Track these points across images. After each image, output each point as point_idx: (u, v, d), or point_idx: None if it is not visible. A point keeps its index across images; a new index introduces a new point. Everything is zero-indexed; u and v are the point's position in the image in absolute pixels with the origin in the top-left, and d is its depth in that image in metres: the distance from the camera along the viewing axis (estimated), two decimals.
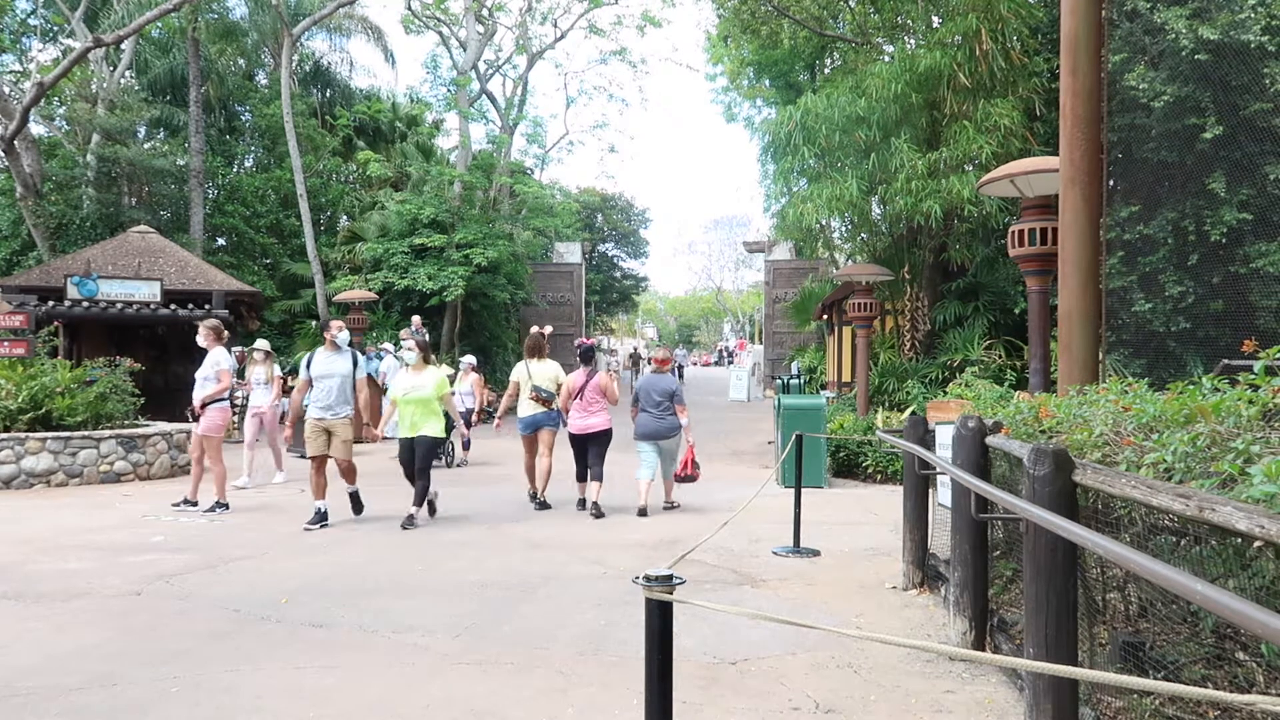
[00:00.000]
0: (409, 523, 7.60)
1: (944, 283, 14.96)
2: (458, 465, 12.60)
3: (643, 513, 8.24)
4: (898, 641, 3.38)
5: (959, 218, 13.72)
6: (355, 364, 7.98)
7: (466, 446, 12.99)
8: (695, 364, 55.55)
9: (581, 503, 8.65)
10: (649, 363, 33.84)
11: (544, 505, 8.74)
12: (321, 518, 7.66)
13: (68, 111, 21.31)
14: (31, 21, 22.26)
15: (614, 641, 4.50)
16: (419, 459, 7.79)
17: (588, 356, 9.02)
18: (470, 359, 13.97)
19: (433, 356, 8.61)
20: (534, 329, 9.57)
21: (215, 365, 8.66)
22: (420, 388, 7.83)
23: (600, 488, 8.43)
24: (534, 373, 8.74)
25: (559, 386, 8.77)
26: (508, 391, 9.17)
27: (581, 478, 8.67)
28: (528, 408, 8.72)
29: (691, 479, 8.60)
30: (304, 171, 20.92)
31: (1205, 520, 2.03)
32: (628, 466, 10.17)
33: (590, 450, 8.49)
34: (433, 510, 8.16)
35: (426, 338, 14.25)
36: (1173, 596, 2.69)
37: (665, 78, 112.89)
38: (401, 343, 13.29)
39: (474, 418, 13.16)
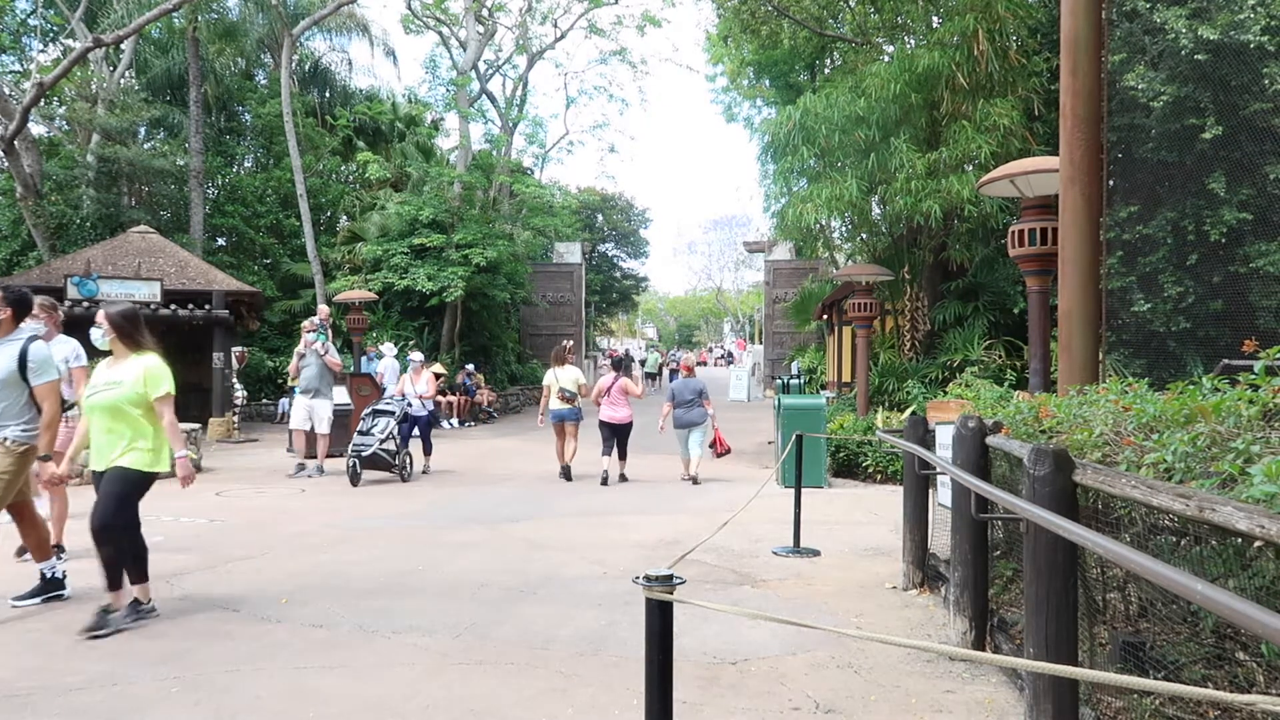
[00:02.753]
0: (97, 627, 4.54)
1: (944, 283, 14.96)
2: (423, 472, 11.40)
3: (685, 480, 10.75)
4: (898, 641, 3.38)
5: (959, 218, 13.72)
6: (25, 359, 4.90)
7: (428, 451, 11.68)
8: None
9: (605, 479, 10.60)
10: (641, 364, 33.97)
11: (568, 476, 10.96)
12: (45, 589, 5.14)
13: (68, 111, 21.29)
14: (31, 21, 22.24)
15: (614, 641, 4.50)
16: (103, 506, 4.72)
17: (617, 364, 11.54)
18: (418, 355, 12.34)
19: (148, 339, 5.09)
20: (561, 344, 12.13)
21: (66, 360, 6.02)
22: (115, 385, 4.83)
23: (625, 464, 10.98)
24: (559, 377, 11.02)
25: (579, 386, 11.08)
26: (544, 393, 11.27)
27: (607, 454, 10.80)
28: (556, 404, 10.99)
29: (727, 453, 11.84)
30: (304, 171, 20.92)
31: (1205, 520, 2.03)
32: (638, 467, 10.42)
33: (616, 436, 10.86)
34: (136, 611, 4.77)
35: (328, 333, 12.04)
36: (1173, 596, 2.69)
37: (665, 78, 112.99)
38: (304, 334, 11.61)
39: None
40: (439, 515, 8.36)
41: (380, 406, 10.97)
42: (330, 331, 12.72)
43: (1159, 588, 2.57)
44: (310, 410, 11.42)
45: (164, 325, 16.79)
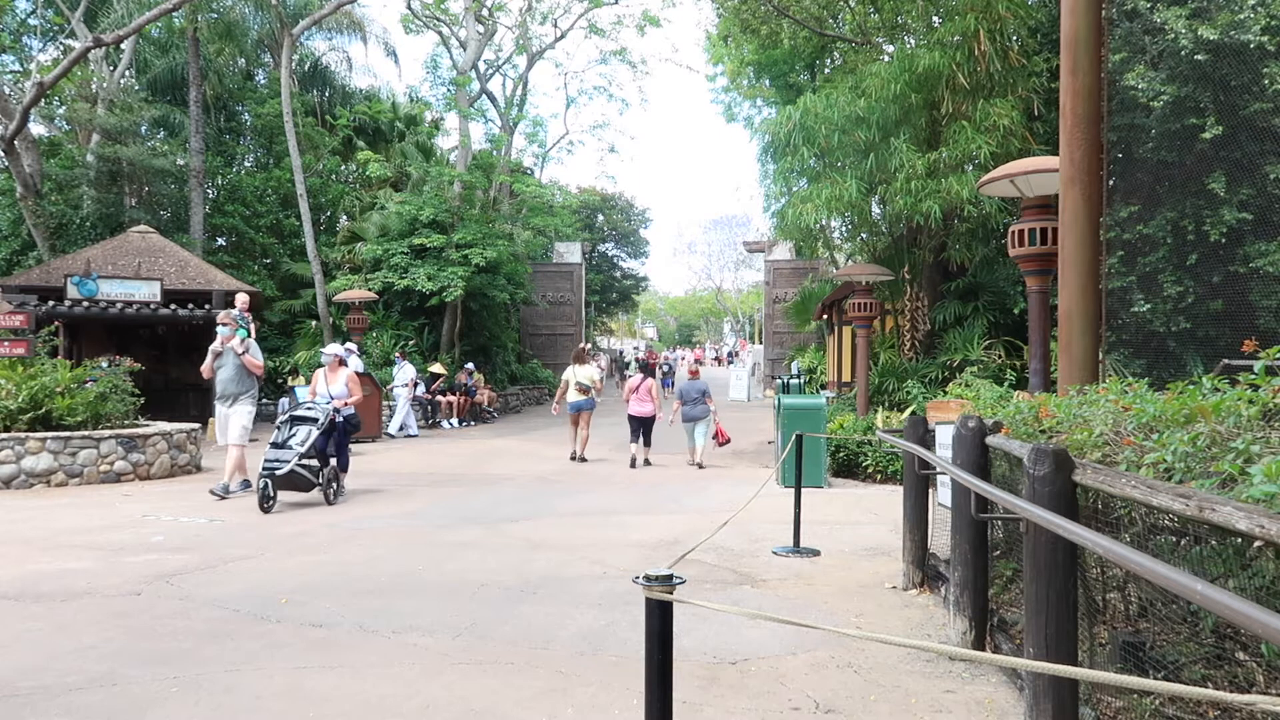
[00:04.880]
0: None
1: (944, 283, 14.96)
2: (340, 495, 9.25)
3: (692, 465, 12.37)
4: (898, 641, 3.38)
5: (959, 218, 13.72)
6: None
7: (344, 468, 9.47)
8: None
9: (633, 461, 12.50)
10: (625, 368, 34.16)
11: (583, 460, 12.89)
12: None
13: (68, 111, 21.29)
14: (31, 21, 22.25)
15: (614, 641, 4.50)
16: None
17: (644, 367, 14.61)
18: (335, 348, 9.96)
19: None
20: (580, 346, 14.33)
21: None
22: None
23: (649, 450, 12.71)
24: (577, 373, 13.02)
25: (594, 381, 13.09)
26: (560, 387, 13.28)
27: (635, 442, 12.64)
28: (574, 396, 12.90)
29: (727, 443, 13.25)
30: (304, 171, 20.90)
31: (1205, 520, 2.03)
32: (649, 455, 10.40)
33: (642, 427, 12.62)
34: None
35: (250, 328, 10.37)
36: (1173, 596, 2.69)
37: (665, 78, 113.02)
38: (219, 328, 9.73)
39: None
40: (439, 515, 8.36)
41: (300, 413, 8.98)
42: (252, 326, 11.01)
43: (1159, 588, 2.57)
44: (227, 420, 9.68)
45: (164, 325, 16.84)
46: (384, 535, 7.35)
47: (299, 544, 6.96)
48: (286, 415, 9.03)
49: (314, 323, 21.43)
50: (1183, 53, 7.25)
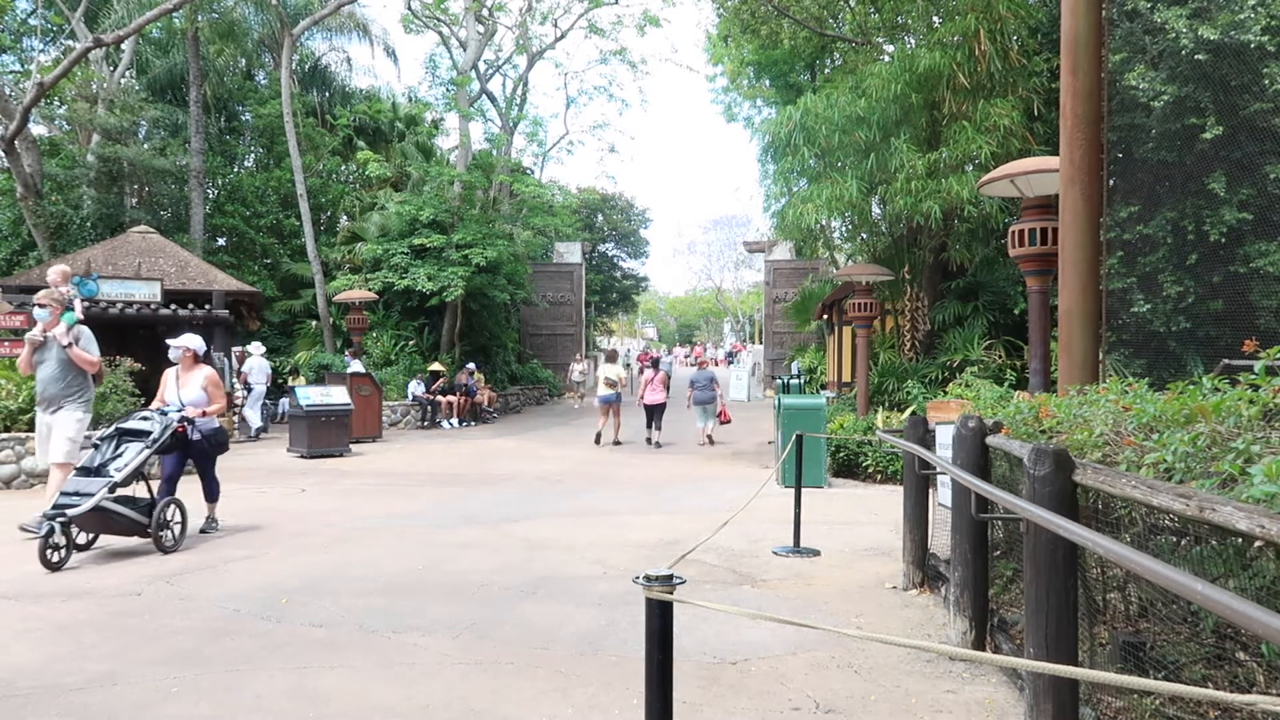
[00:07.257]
0: None
1: (944, 283, 14.97)
2: (201, 530, 7.27)
3: (702, 443, 15.20)
4: (898, 641, 3.37)
5: (959, 218, 13.72)
6: None
7: (212, 496, 7.41)
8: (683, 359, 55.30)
9: (649, 440, 15.35)
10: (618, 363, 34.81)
11: (616, 443, 15.22)
12: None
13: (68, 111, 21.29)
14: (31, 21, 22.24)
15: (614, 641, 4.50)
16: None
17: (654, 363, 17.97)
18: (189, 339, 7.48)
19: None
20: (609, 348, 16.43)
21: None
22: None
23: (660, 433, 15.48)
24: (607, 370, 15.81)
25: (620, 378, 15.72)
26: (596, 381, 16.78)
27: (648, 427, 15.58)
28: (604, 389, 15.43)
29: (727, 422, 16.54)
30: (304, 171, 20.91)
31: (1206, 520, 2.03)
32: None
33: (654, 414, 15.45)
34: None
35: (76, 310, 7.99)
36: (1173, 596, 2.69)
37: (665, 78, 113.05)
38: (39, 312, 7.28)
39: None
40: (439, 515, 8.36)
41: (131, 425, 6.77)
42: (78, 307, 8.33)
43: (1159, 588, 2.57)
44: (50, 430, 7.39)
45: (164, 325, 16.83)
46: (384, 535, 7.35)
47: (299, 544, 6.96)
48: (112, 429, 6.79)
49: (314, 323, 21.44)
50: (1183, 53, 7.25)
